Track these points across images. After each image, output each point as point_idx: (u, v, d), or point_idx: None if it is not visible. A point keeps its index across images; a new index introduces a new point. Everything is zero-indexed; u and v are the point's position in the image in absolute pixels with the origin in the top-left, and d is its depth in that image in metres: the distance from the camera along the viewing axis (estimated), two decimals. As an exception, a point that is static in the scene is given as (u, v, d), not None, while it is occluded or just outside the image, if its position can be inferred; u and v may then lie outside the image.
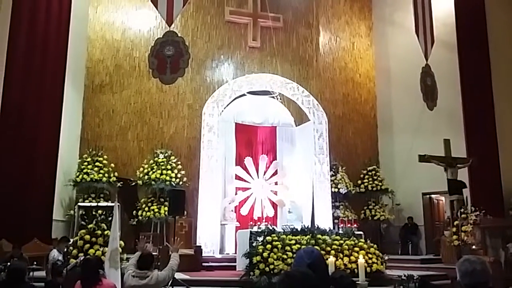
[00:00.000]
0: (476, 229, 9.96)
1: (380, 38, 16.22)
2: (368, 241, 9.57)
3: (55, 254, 8.03)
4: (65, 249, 8.18)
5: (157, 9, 10.22)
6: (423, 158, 11.48)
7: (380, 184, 14.36)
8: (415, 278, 7.16)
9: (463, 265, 2.60)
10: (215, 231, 11.35)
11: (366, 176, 14.52)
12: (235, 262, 9.69)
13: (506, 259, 9.18)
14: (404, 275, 7.32)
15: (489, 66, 13.13)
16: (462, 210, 10.89)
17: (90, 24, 13.57)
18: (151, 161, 12.46)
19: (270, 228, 9.39)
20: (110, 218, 7.85)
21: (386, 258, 9.39)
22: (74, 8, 11.24)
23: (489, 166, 12.34)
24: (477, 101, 12.82)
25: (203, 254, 10.38)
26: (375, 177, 14.45)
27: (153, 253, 5.68)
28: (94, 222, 8.14)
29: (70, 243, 8.29)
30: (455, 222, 10.83)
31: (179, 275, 8.13)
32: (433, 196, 14.32)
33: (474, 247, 9.90)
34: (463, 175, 11.82)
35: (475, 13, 13.32)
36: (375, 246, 9.41)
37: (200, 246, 10.50)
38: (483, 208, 10.36)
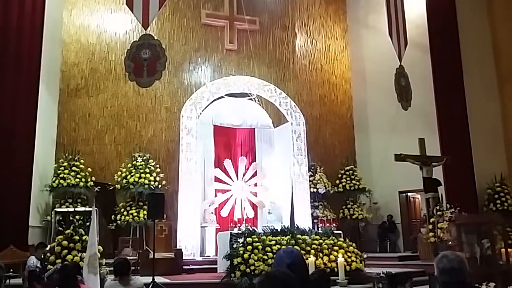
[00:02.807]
0: (451, 225, 10.10)
1: (355, 40, 16.44)
2: (347, 240, 9.73)
3: (33, 261, 7.89)
4: (42, 256, 8.04)
5: (132, 12, 10.14)
6: (399, 157, 11.69)
7: (357, 183, 14.53)
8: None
9: (441, 262, 2.61)
10: (195, 234, 11.30)
11: (344, 176, 14.66)
12: (216, 264, 9.69)
13: (482, 254, 9.35)
14: (383, 273, 7.42)
15: (460, 66, 13.44)
16: (437, 207, 11.12)
17: (64, 27, 13.37)
18: (129, 165, 12.32)
19: (251, 229, 9.39)
20: (88, 223, 7.77)
21: (365, 256, 9.54)
22: (47, 12, 11.04)
23: (463, 164, 12.61)
24: (450, 101, 13.10)
25: (184, 257, 10.33)
26: (352, 177, 14.62)
27: (132, 258, 5.67)
28: (71, 227, 8.02)
29: (48, 249, 8.15)
30: (431, 219, 11.04)
31: (159, 279, 8.11)
32: (409, 194, 14.58)
33: (450, 243, 10.08)
34: (438, 173, 12.07)
35: (447, 15, 13.63)
36: (354, 244, 9.57)
37: (181, 249, 10.45)
38: (458, 205, 10.55)
